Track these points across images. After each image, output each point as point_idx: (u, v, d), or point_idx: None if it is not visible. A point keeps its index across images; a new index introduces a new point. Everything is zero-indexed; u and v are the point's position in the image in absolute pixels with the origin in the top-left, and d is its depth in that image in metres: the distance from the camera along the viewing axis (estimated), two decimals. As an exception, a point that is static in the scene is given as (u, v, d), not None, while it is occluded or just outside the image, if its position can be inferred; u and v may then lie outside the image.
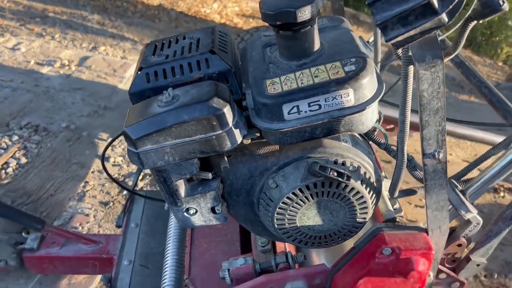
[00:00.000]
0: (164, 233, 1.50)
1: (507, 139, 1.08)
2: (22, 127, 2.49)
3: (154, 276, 1.44)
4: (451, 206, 1.00)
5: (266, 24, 0.83)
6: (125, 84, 3.05)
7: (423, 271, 0.91)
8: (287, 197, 0.89)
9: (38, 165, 2.27)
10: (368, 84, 0.80)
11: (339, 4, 1.37)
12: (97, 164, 2.34)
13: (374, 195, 0.93)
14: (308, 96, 0.79)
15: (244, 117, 0.87)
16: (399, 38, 0.62)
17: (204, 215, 0.94)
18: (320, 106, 0.80)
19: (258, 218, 0.99)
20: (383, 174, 1.19)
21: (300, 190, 0.88)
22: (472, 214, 0.98)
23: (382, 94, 0.83)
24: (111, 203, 2.13)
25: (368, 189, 0.90)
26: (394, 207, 1.14)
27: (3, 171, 2.19)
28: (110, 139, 2.51)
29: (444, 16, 0.61)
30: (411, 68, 0.74)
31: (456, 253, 1.08)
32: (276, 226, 0.93)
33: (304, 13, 0.78)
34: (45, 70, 3.06)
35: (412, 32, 0.61)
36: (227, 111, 0.81)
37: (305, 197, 0.89)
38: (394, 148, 1.00)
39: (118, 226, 1.65)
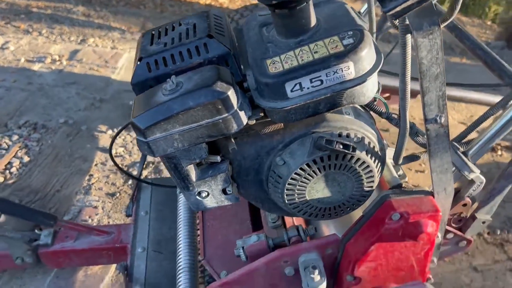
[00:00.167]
0: (174, 219, 1.53)
1: (505, 99, 1.10)
2: (20, 126, 2.49)
3: (169, 261, 1.48)
4: (454, 168, 1.03)
5: (254, 2, 0.83)
6: (118, 75, 3.04)
7: (432, 233, 0.94)
8: (295, 173, 0.91)
9: (41, 162, 2.28)
10: (367, 55, 0.81)
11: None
12: (99, 156, 2.35)
13: (379, 164, 0.95)
14: (309, 73, 0.81)
15: (247, 98, 0.89)
16: (398, 9, 0.63)
17: (216, 197, 0.97)
18: (322, 81, 0.81)
19: (268, 196, 1.02)
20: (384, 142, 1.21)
21: (308, 165, 0.90)
22: (475, 174, 1.01)
23: (381, 64, 0.84)
24: (118, 194, 2.15)
25: (373, 158, 0.93)
26: (398, 173, 1.17)
27: (7, 171, 2.21)
28: (110, 131, 2.52)
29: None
30: (409, 36, 0.75)
31: (462, 213, 1.12)
32: (286, 201, 0.96)
33: (299, -10, 0.78)
34: (36, 67, 3.03)
35: (410, 2, 0.63)
36: (231, 94, 0.82)
37: (313, 171, 0.91)
38: (395, 116, 1.02)
39: (128, 215, 1.68)
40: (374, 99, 0.97)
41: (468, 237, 1.16)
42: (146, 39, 1.00)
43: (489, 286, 1.97)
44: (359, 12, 1.30)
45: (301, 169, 0.91)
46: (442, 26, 0.73)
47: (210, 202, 0.97)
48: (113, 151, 2.39)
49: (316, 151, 0.89)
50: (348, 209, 1.01)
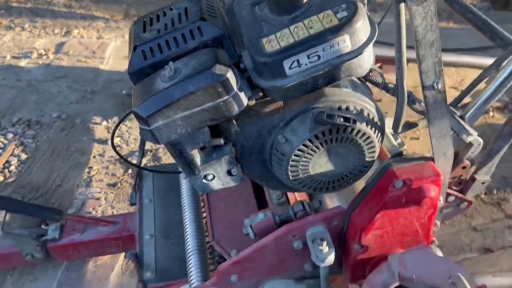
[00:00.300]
0: (178, 204, 1.55)
1: (498, 60, 1.11)
2: (14, 124, 2.47)
3: (177, 245, 1.50)
4: (452, 132, 1.05)
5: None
6: (106, 65, 3.01)
7: (435, 197, 0.96)
8: (298, 149, 0.93)
9: (39, 158, 2.27)
10: (362, 27, 0.82)
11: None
12: (96, 148, 2.35)
13: (379, 134, 0.97)
14: (306, 49, 0.81)
15: (245, 79, 0.89)
16: (391, -21, 0.63)
17: (221, 179, 0.98)
18: (319, 56, 0.82)
19: (272, 174, 1.03)
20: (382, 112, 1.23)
21: (310, 140, 0.92)
22: (473, 137, 1.03)
23: (376, 35, 0.85)
24: (119, 184, 2.16)
25: (373, 129, 0.94)
26: (397, 142, 1.19)
27: (6, 170, 2.20)
28: (105, 122, 2.51)
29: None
30: (402, 5, 0.76)
31: (462, 175, 1.14)
32: (291, 178, 0.98)
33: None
34: (23, 63, 2.99)
35: (403, -29, 0.63)
36: (231, 76, 0.83)
37: (315, 146, 0.93)
38: (391, 86, 1.03)
39: (132, 204, 1.70)
40: (370, 70, 0.98)
41: (469, 199, 1.19)
42: (138, 26, 0.99)
43: (488, 244, 2.02)
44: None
45: (303, 145, 0.92)
46: (435, -8, 0.73)
47: (216, 184, 0.99)
48: (110, 142, 2.39)
49: (317, 126, 0.90)
50: (351, 180, 1.04)
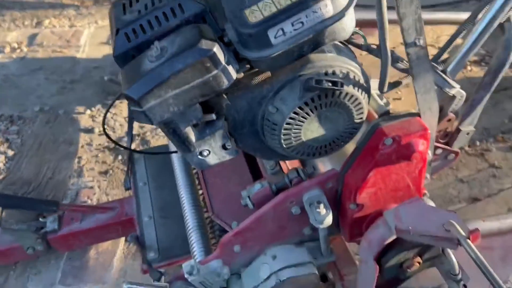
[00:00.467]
0: (173, 184, 1.56)
1: (473, 13, 1.13)
2: (-4, 121, 2.44)
3: (177, 223, 1.52)
4: (436, 87, 1.08)
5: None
6: (83, 53, 2.96)
7: (424, 151, 1.00)
8: (289, 118, 0.95)
9: (26, 153, 2.25)
10: (342, -10, 0.83)
11: None
12: (84, 138, 2.34)
13: (366, 95, 1.00)
14: (289, 16, 0.82)
15: (232, 52, 0.90)
16: None
17: (217, 153, 1.00)
18: (303, 23, 0.83)
19: (265, 144, 1.06)
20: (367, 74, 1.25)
21: (300, 108, 0.94)
22: (456, 89, 1.07)
23: (356, -3, 0.86)
24: (111, 171, 2.17)
25: (360, 90, 0.97)
26: (383, 102, 1.22)
27: (-6, 168, 2.19)
28: (88, 110, 2.49)
29: None
30: (381, -35, 0.77)
31: (448, 128, 1.18)
32: (284, 146, 1.00)
33: None
34: (-4, 58, 2.93)
35: None
36: (217, 50, 0.83)
37: (306, 113, 0.95)
38: (374, 47, 1.05)
39: (127, 189, 1.71)
40: (353, 33, 0.99)
41: (456, 150, 1.23)
42: (118, 9, 0.99)
43: (475, 194, 2.10)
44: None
45: (294, 113, 0.94)
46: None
47: (212, 159, 1.01)
48: (96, 131, 2.38)
49: (307, 93, 0.92)
50: (343, 143, 1.06)
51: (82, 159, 2.22)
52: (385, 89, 1.02)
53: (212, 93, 0.87)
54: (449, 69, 1.11)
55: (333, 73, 0.94)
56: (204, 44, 0.82)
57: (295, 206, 1.11)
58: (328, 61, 0.95)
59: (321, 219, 1.04)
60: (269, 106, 0.96)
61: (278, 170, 1.30)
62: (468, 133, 1.21)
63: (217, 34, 0.92)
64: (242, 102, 0.98)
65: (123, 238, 1.85)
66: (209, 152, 0.99)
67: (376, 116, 1.16)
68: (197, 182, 1.51)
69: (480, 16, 1.15)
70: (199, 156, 0.99)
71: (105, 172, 2.16)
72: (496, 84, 1.15)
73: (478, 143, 2.34)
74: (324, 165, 1.30)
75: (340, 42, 1.03)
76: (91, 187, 2.08)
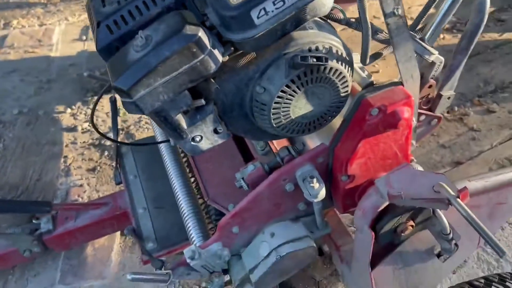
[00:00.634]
0: (164, 174, 1.57)
1: (446, -20, 1.16)
2: (-26, 128, 2.39)
3: (172, 212, 1.53)
4: (416, 55, 1.11)
5: None
6: (56, 51, 2.90)
7: (409, 118, 1.03)
8: (278, 96, 0.96)
9: (10, 157, 2.22)
10: (320, -34, 0.84)
11: None
12: (67, 137, 2.31)
13: (349, 68, 1.02)
14: (270, -4, 0.83)
15: (216, 36, 0.91)
16: None
17: (209, 138, 1.01)
18: (284, 1, 0.84)
19: (255, 125, 1.07)
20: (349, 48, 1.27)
21: (287, 86, 0.95)
22: (435, 56, 1.10)
23: (333, -28, 0.87)
24: (98, 167, 2.16)
25: (343, 64, 0.99)
26: (365, 74, 1.24)
27: (-22, 175, 2.15)
28: (69, 109, 2.45)
29: None
30: None
31: (429, 94, 1.22)
32: (274, 125, 1.02)
33: None
34: (-34, 63, 2.85)
35: None
36: (202, 35, 0.84)
37: (293, 90, 0.97)
38: (353, 20, 1.07)
39: (118, 183, 1.71)
40: (331, 8, 1.01)
41: (438, 115, 1.27)
42: (96, 2, 0.98)
43: (458, 158, 2.17)
44: None
45: (281, 91, 0.96)
46: None
47: (205, 144, 1.02)
48: (79, 129, 2.36)
49: (292, 70, 0.93)
50: (330, 117, 1.09)
51: (68, 158, 2.20)
52: (367, 61, 1.05)
53: (200, 78, 0.88)
54: (427, 36, 1.13)
55: (316, 49, 0.95)
56: (189, 29, 0.83)
57: (288, 183, 1.13)
58: (310, 37, 0.96)
59: (315, 193, 1.06)
60: (256, 87, 0.98)
61: (268, 150, 1.32)
62: (449, 98, 1.24)
63: (198, 19, 0.92)
64: (229, 85, 0.98)
65: (118, 233, 1.85)
66: (201, 137, 1.00)
67: (360, 89, 1.18)
68: (187, 170, 1.52)
69: (452, -18, 1.18)
70: (192, 142, 1.00)
71: (93, 169, 2.15)
72: (472, 47, 1.18)
73: (456, 108, 2.41)
74: (313, 141, 1.33)
75: (320, 18, 1.04)
76: (81, 185, 2.07)
